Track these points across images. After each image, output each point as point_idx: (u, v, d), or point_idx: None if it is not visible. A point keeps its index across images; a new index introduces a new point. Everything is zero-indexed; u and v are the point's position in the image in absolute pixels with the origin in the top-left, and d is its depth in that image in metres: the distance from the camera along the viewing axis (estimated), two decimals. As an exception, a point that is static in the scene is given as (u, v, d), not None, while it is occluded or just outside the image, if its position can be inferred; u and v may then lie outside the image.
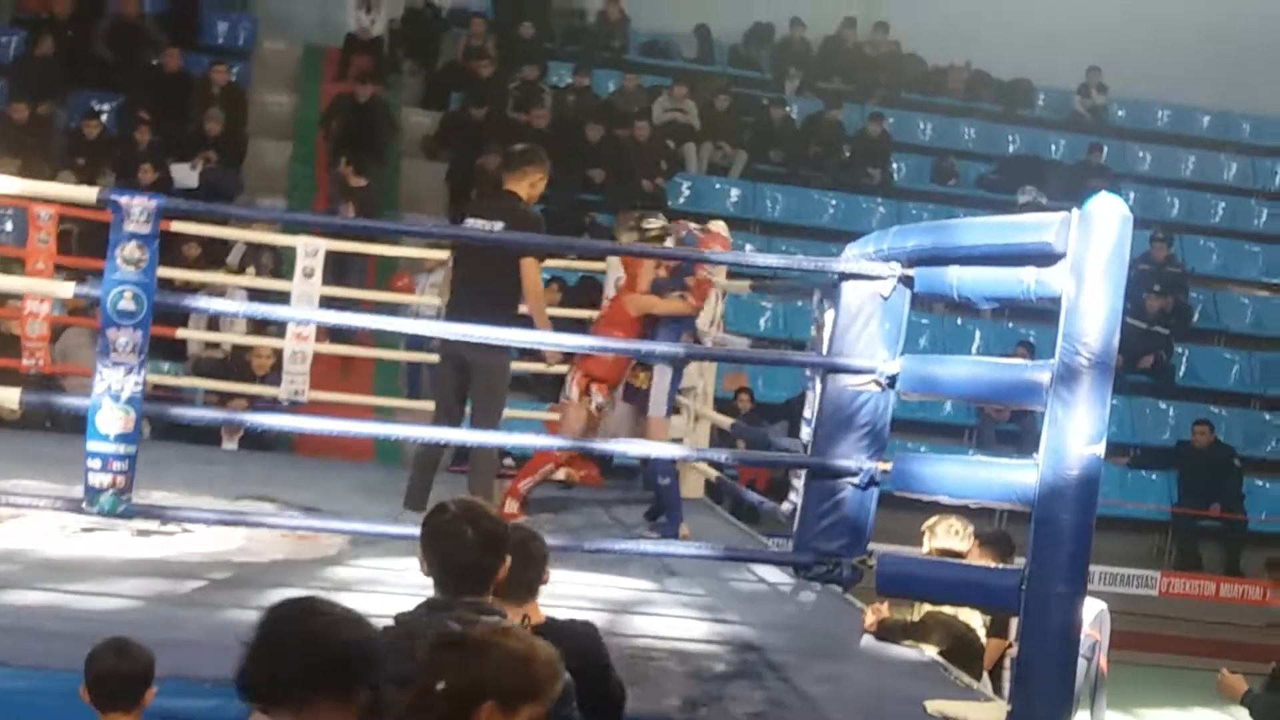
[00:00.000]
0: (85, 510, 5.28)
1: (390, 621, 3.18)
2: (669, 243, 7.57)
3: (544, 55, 16.93)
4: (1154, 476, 14.06)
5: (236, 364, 11.07)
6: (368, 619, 2.60)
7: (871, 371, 5.67)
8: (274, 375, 10.31)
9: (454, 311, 6.83)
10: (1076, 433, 4.59)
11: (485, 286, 6.76)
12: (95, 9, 15.28)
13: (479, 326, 6.11)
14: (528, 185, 7.01)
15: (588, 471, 9.36)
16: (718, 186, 16.16)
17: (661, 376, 7.46)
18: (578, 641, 3.43)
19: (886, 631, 5.72)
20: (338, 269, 11.20)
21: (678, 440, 8.68)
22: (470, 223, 7.03)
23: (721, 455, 7.91)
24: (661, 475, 7.54)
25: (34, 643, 4.43)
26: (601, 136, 15.31)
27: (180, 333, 10.40)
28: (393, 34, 16.75)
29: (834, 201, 16.28)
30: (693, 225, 7.91)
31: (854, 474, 5.68)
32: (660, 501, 7.69)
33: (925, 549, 6.12)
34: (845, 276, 5.81)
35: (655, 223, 7.60)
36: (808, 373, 6.30)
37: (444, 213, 14.57)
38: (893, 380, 5.66)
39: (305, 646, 2.54)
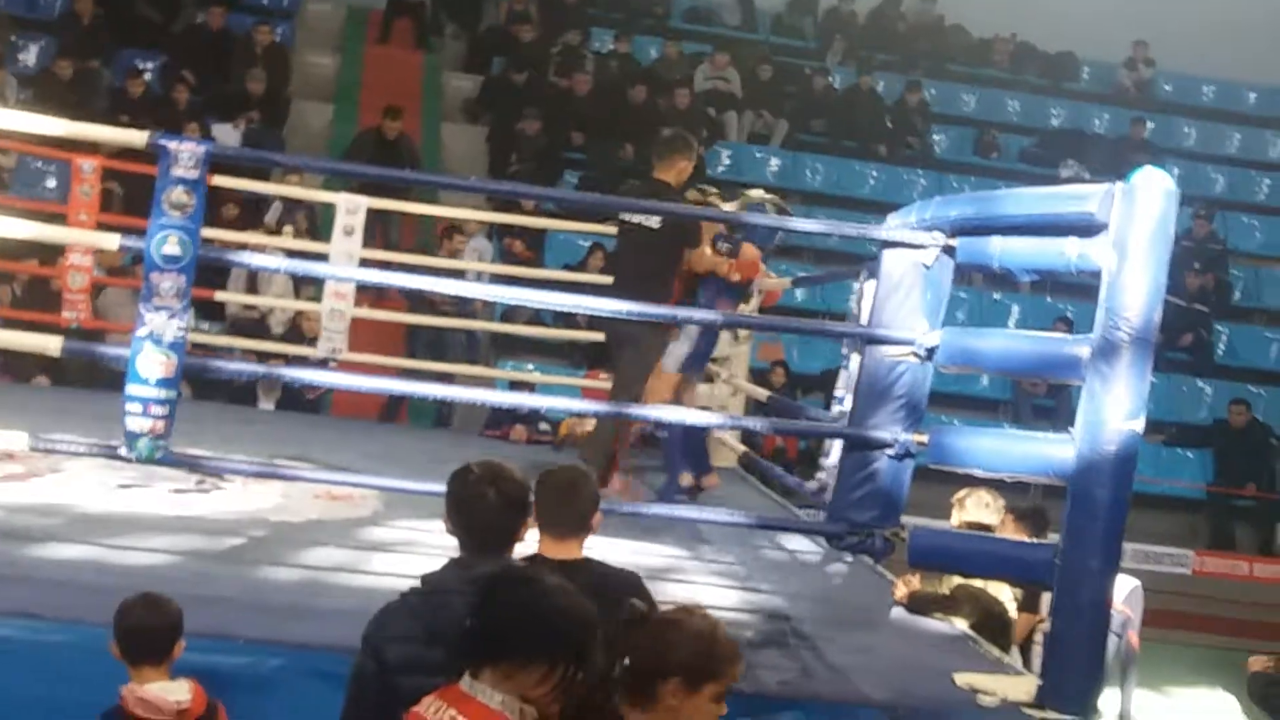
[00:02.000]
0: (123, 455, 5.26)
1: (417, 582, 3.22)
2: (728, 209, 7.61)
3: (586, 21, 16.89)
4: (1190, 455, 13.98)
5: (282, 325, 11.12)
6: (588, 601, 2.74)
7: (910, 343, 5.64)
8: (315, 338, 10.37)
9: (619, 288, 7.08)
10: (1115, 408, 4.56)
11: (638, 268, 7.06)
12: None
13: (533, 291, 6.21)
14: (675, 173, 7.23)
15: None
16: (758, 155, 16.09)
17: (685, 336, 7.45)
18: (624, 588, 3.47)
19: (917, 604, 5.71)
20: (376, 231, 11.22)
21: (706, 408, 8.68)
22: (626, 213, 7.24)
23: (756, 424, 7.87)
24: (659, 428, 7.55)
25: (70, 596, 4.47)
26: (643, 103, 15.26)
27: (219, 295, 10.42)
28: (434, -4, 16.73)
29: (875, 172, 16.20)
30: (765, 197, 7.90)
31: (889, 445, 5.66)
32: (666, 457, 7.69)
33: (954, 522, 6.10)
34: (888, 244, 5.78)
35: (715, 195, 7.68)
36: (844, 349, 6.28)
37: (484, 176, 14.56)
38: (932, 352, 5.63)
39: (529, 614, 2.68)
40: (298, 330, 10.77)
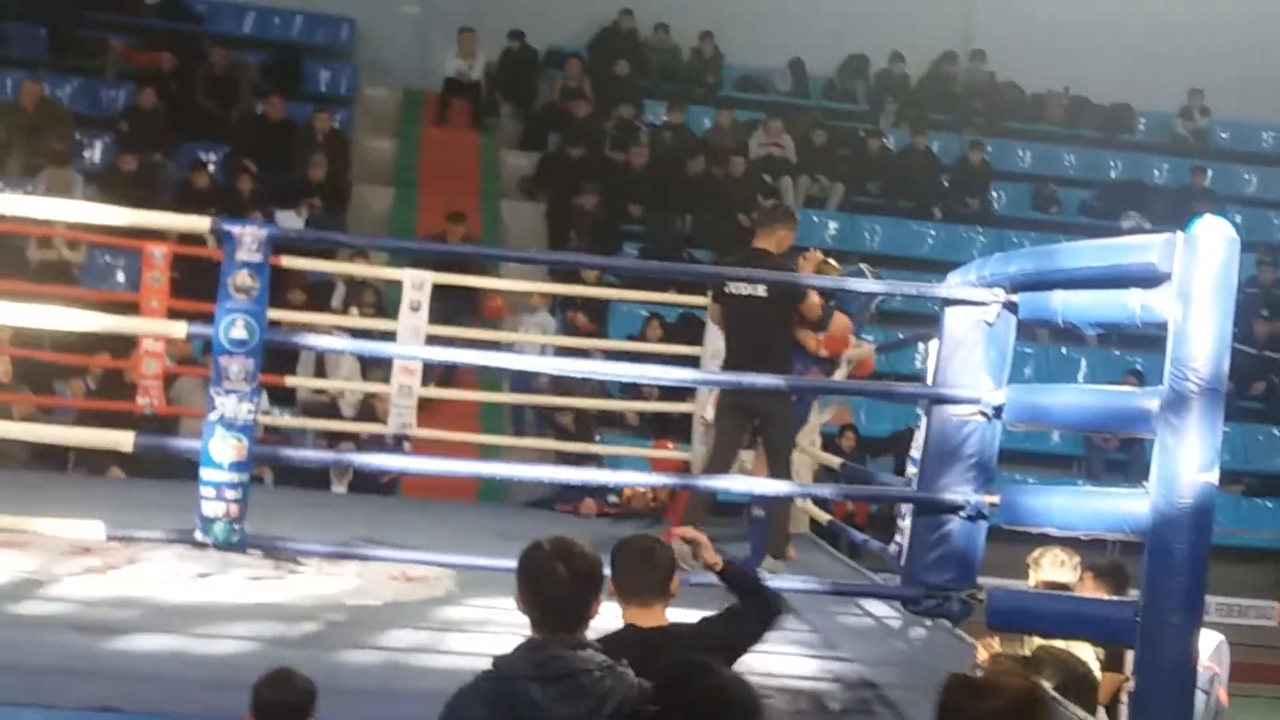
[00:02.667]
0: (199, 540, 5.32)
1: (489, 665, 3.23)
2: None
3: (639, 94, 17.04)
4: (1269, 504, 13.76)
5: (352, 407, 11.22)
6: (755, 687, 2.96)
7: (976, 402, 5.61)
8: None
9: (738, 362, 7.15)
10: (1188, 460, 4.51)
11: (762, 339, 7.15)
12: (198, 61, 15.64)
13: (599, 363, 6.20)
14: (776, 241, 7.37)
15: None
16: (815, 219, 16.10)
17: None
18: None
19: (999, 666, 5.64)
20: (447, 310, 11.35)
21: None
22: (732, 286, 7.28)
23: (827, 491, 7.86)
24: (758, 507, 7.55)
25: (151, 689, 4.51)
26: (700, 173, 15.35)
27: (289, 380, 10.54)
28: (490, 77, 16.94)
29: (933, 232, 16.18)
30: (865, 266, 7.98)
31: (961, 507, 5.62)
32: (753, 534, 7.67)
33: (1031, 582, 6.03)
34: (949, 302, 5.76)
35: (835, 264, 7.80)
36: (918, 410, 6.26)
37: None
38: (999, 410, 5.59)
39: (702, 698, 2.88)
40: (369, 410, 10.86)
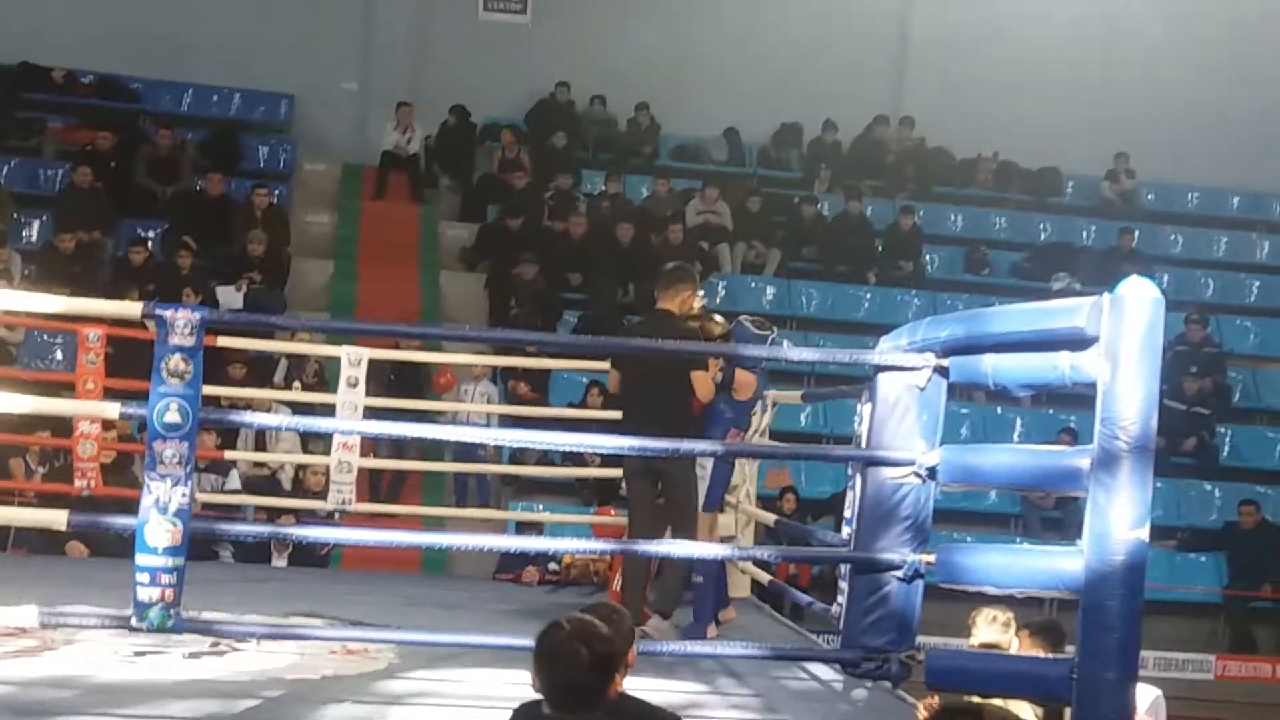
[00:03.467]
0: (134, 625, 5.30)
1: None
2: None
3: (577, 164, 17.18)
4: (1203, 558, 13.91)
5: (288, 481, 11.18)
6: None
7: (910, 463, 5.69)
8: (323, 491, 10.45)
9: (634, 424, 7.06)
10: (1120, 517, 4.59)
11: (659, 400, 7.09)
12: (137, 139, 15.63)
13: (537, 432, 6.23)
14: (679, 302, 7.35)
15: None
16: (753, 285, 16.28)
17: (703, 471, 7.48)
18: None
19: (939, 726, 5.67)
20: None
21: (729, 539, 8.69)
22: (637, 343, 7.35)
23: (765, 553, 7.92)
24: (695, 573, 7.54)
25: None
26: (634, 239, 15.48)
27: (228, 454, 10.51)
28: (428, 150, 17.05)
29: (869, 295, 16.37)
30: (746, 320, 7.96)
31: (898, 567, 5.68)
32: (696, 599, 7.67)
33: (972, 642, 6.09)
34: (880, 369, 5.86)
35: (719, 320, 7.73)
36: (849, 471, 6.33)
37: (484, 322, 14.73)
38: (933, 471, 5.67)
39: None
40: (301, 485, 10.83)
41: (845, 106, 18.15)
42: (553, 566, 9.92)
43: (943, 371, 5.71)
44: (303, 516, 9.95)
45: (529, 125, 17.69)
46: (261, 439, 11.45)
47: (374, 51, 17.66)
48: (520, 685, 3.43)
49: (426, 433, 6.84)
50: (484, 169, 17.15)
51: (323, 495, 9.93)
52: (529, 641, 3.45)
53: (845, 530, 6.24)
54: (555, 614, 3.78)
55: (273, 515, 10.36)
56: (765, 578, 8.86)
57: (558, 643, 3.30)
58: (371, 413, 9.27)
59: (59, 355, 12.81)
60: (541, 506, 12.28)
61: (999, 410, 14.87)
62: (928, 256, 17.15)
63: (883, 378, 5.82)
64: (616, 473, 10.17)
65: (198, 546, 9.61)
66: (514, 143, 16.90)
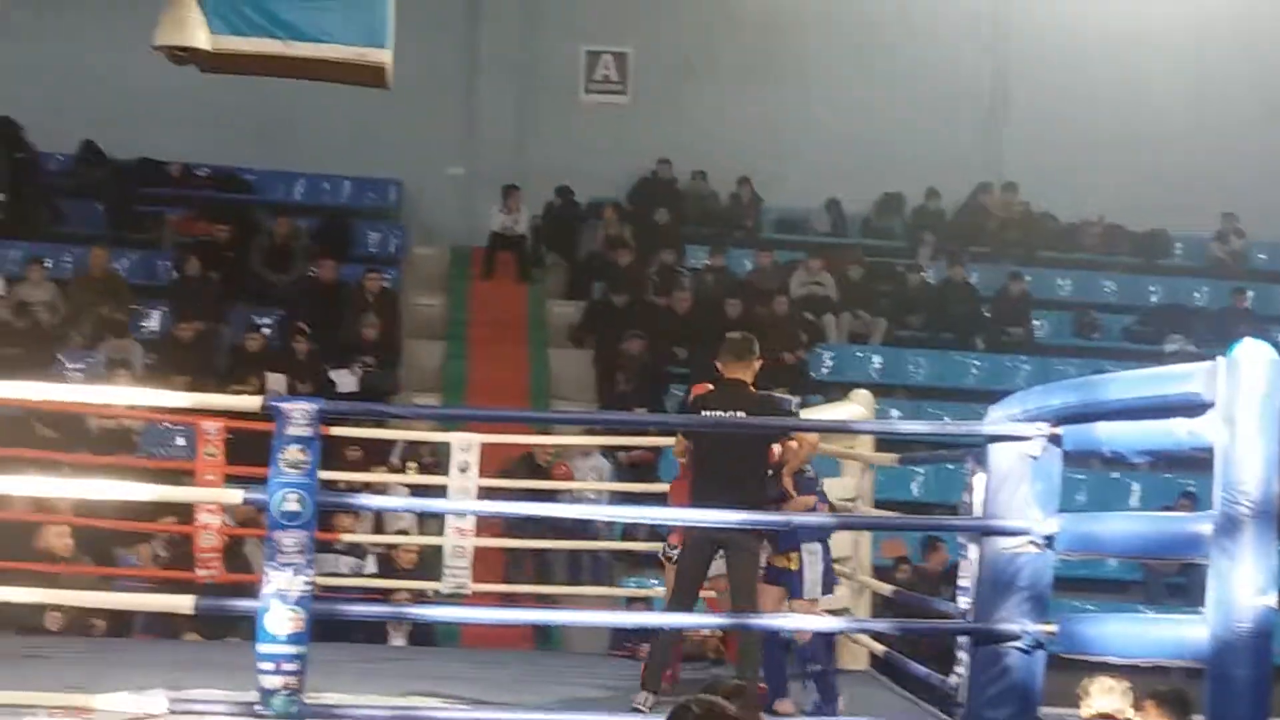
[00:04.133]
0: (259, 713, 5.38)
1: None
2: None
3: (680, 239, 17.32)
4: (1335, 624, 13.50)
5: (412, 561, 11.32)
6: None
7: (1027, 533, 5.64)
8: (421, 570, 10.55)
9: (705, 497, 7.08)
10: (1244, 584, 4.52)
11: (737, 471, 7.10)
12: (252, 229, 16.05)
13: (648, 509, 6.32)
14: (751, 372, 7.47)
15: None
16: (859, 355, 16.23)
17: (813, 556, 7.46)
18: None
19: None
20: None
21: (842, 612, 8.64)
22: (709, 414, 7.37)
23: (882, 625, 7.85)
24: (813, 660, 7.46)
25: None
26: (740, 313, 15.55)
27: (345, 537, 10.67)
28: (534, 230, 17.29)
29: (977, 362, 16.24)
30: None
31: (1018, 638, 5.62)
32: (819, 689, 7.59)
33: (1083, 714, 5.98)
34: (992, 439, 5.83)
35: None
36: (961, 541, 6.29)
37: (592, 400, 14.84)
38: (1050, 540, 5.62)
39: None
40: (397, 564, 10.94)
41: (947, 173, 18.13)
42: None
43: (1056, 440, 5.67)
44: (421, 597, 10.04)
45: (632, 202, 17.86)
46: (379, 519, 11.62)
47: (478, 136, 18.01)
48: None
49: (541, 512, 6.92)
50: (589, 247, 17.34)
51: (422, 575, 10.07)
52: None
53: (962, 601, 6.18)
54: (674, 690, 3.80)
55: (388, 595, 10.48)
56: (881, 649, 8.79)
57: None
58: (489, 493, 9.37)
59: (180, 441, 13.09)
60: (654, 581, 12.27)
61: (1116, 475, 14.62)
62: (1036, 322, 17.00)
63: (995, 448, 5.78)
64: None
65: (366, 629, 9.93)
66: (617, 220, 17.09)
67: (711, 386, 7.54)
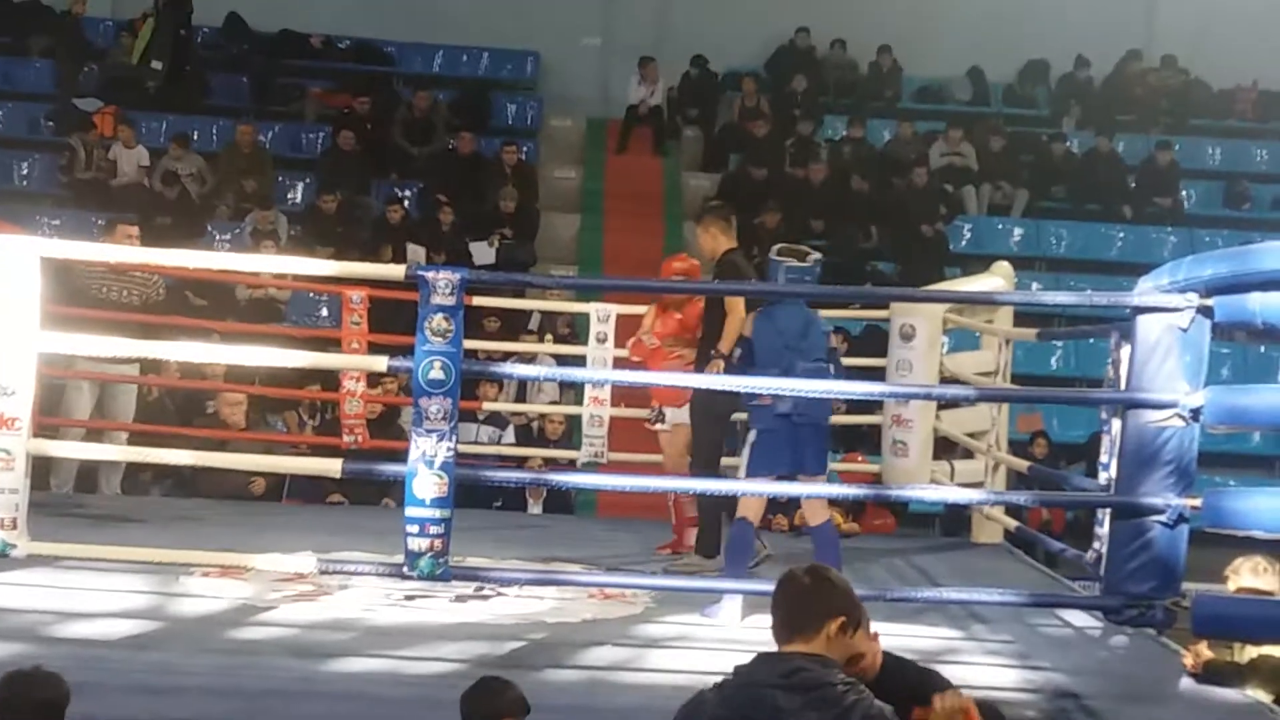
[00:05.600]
0: (406, 575, 5.52)
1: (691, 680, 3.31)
2: None
3: (818, 110, 17.06)
4: None
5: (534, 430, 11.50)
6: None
7: (1174, 405, 5.53)
8: (566, 440, 10.71)
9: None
10: (1397, 459, 4.41)
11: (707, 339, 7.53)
12: (392, 102, 16.15)
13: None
14: (710, 237, 7.71)
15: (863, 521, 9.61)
16: (1000, 227, 15.95)
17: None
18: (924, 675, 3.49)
19: (1212, 673, 5.52)
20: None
21: (977, 485, 8.60)
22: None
23: (1021, 498, 7.78)
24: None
25: (367, 709, 4.70)
26: (877, 185, 15.31)
27: (486, 405, 10.85)
28: (670, 102, 17.15)
29: (1122, 234, 15.86)
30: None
31: (1161, 511, 5.55)
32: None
33: (1230, 589, 5.89)
34: (1139, 310, 5.70)
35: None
36: (1103, 414, 6.19)
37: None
38: (1196, 413, 5.52)
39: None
40: (543, 434, 11.09)
41: (1095, 40, 17.57)
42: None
43: (1206, 311, 5.53)
44: (554, 465, 10.19)
45: (769, 73, 17.62)
46: (521, 388, 11.78)
47: (615, 5, 17.85)
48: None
49: (676, 381, 6.94)
50: (725, 118, 17.16)
51: (565, 444, 10.21)
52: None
53: (1103, 475, 6.12)
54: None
55: (522, 463, 10.65)
56: (1014, 524, 8.74)
57: (787, 582, 3.38)
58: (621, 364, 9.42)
59: (324, 312, 13.37)
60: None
61: (1263, 349, 14.27)
62: (1185, 192, 16.51)
63: (1142, 319, 5.66)
64: (863, 419, 10.19)
65: (505, 497, 10.18)
66: (754, 91, 16.89)
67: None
